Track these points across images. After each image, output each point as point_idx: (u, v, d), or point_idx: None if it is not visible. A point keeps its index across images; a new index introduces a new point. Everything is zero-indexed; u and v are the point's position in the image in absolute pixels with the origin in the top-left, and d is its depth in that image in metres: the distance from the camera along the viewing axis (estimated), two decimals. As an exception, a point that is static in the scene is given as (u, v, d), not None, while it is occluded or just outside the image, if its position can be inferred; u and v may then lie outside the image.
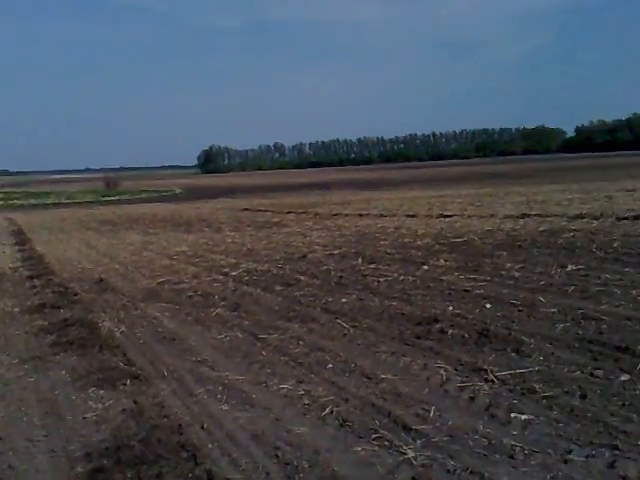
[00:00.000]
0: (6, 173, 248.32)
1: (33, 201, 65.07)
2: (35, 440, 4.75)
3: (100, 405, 5.34)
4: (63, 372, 6.33)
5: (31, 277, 12.65)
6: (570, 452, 3.99)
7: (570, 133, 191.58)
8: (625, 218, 14.83)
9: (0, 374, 6.40)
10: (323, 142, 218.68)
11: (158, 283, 11.04)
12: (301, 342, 6.81)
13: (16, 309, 9.59)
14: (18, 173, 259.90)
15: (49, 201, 64.01)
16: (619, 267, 9.32)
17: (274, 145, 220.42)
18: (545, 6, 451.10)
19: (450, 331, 6.69)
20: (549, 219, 16.11)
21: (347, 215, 23.28)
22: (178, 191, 75.56)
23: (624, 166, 62.08)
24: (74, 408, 5.34)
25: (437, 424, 4.52)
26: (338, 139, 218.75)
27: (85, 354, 6.85)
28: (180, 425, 4.74)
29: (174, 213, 32.80)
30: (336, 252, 13.20)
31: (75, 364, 6.54)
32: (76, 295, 10.25)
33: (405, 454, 4.09)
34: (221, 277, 11.24)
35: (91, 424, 4.96)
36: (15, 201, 66.01)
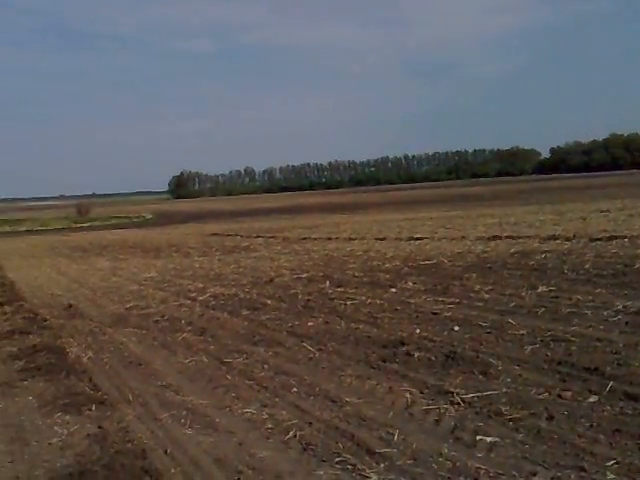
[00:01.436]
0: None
1: (7, 228, 63.98)
2: (0, 467, 4.69)
3: (65, 430, 5.30)
4: (30, 398, 6.30)
5: (1, 303, 12.53)
6: (535, 474, 3.98)
7: (545, 154, 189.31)
8: (598, 239, 14.89)
9: (-36, 403, 6.31)
10: (294, 166, 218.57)
11: (126, 308, 10.99)
12: (266, 366, 6.83)
13: (-16, 336, 9.46)
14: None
15: (23, 228, 62.95)
16: (590, 288, 9.36)
17: (244, 170, 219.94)
18: (521, 27, 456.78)
19: (416, 354, 6.74)
20: (521, 241, 16.26)
21: (316, 239, 23.31)
22: (148, 217, 74.97)
23: (600, 187, 62.02)
24: (39, 434, 5.30)
25: (401, 447, 4.54)
26: (309, 163, 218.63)
27: (52, 380, 6.81)
28: (144, 450, 4.73)
29: (144, 239, 32.56)
30: (304, 276, 13.25)
31: (42, 390, 6.50)
32: (45, 321, 10.18)
33: (368, 478, 4.11)
34: (188, 302, 11.23)
35: (56, 450, 4.92)
36: (-12, 229, 64.85)
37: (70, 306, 11.58)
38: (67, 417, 5.63)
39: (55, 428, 5.39)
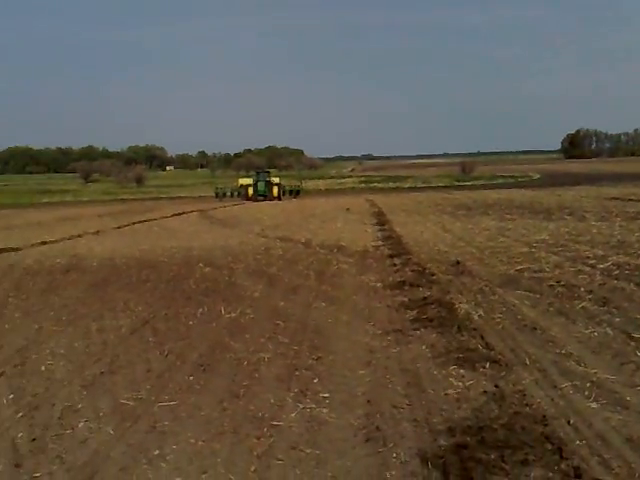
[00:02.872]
0: (370, 157, 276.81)
1: (391, 184, 70.58)
2: (399, 407, 5.23)
3: (460, 384, 5.63)
4: (423, 347, 6.83)
5: (391, 256, 13.82)
6: None
7: None
8: None
9: (366, 342, 7.18)
10: None
11: (516, 270, 11.07)
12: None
13: (379, 284, 10.61)
14: (380, 157, 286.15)
15: (406, 185, 68.63)
16: None
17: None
18: None
19: None
20: None
21: None
22: (535, 177, 74.14)
23: None
24: (435, 383, 5.73)
25: None
26: None
27: (443, 333, 7.27)
28: (544, 416, 4.77)
29: (532, 199, 32.32)
30: None
31: (434, 341, 6.99)
32: (433, 275, 10.86)
33: None
34: (587, 269, 10.82)
35: (452, 401, 5.27)
36: (375, 184, 72.42)
37: (457, 263, 12.14)
38: (461, 371, 5.97)
39: (450, 380, 5.77)
